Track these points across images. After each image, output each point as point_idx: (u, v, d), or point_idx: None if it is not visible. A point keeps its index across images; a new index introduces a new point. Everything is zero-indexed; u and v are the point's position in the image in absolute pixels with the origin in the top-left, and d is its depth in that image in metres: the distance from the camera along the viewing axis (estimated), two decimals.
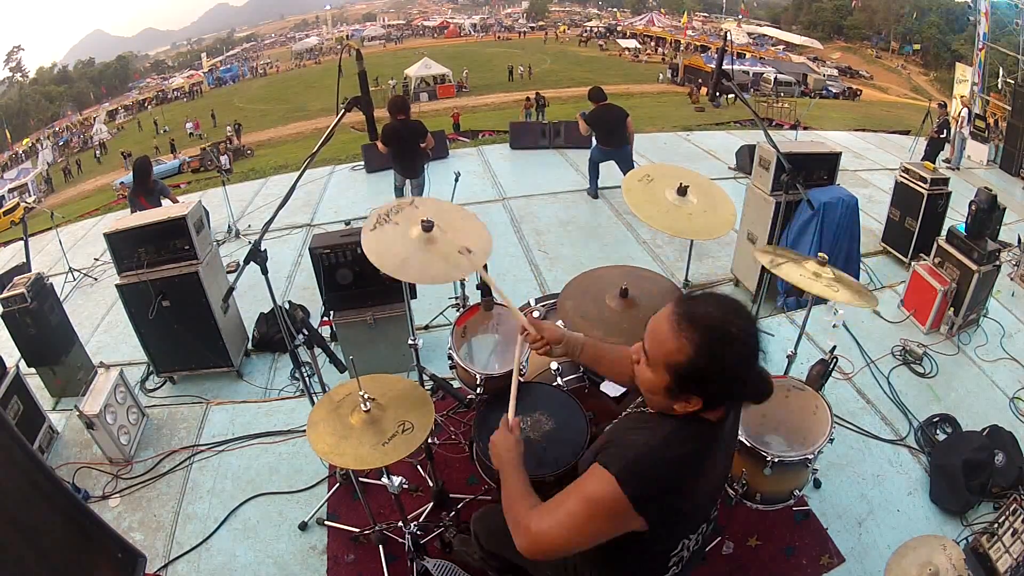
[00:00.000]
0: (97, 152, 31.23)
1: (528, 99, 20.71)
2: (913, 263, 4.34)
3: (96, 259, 6.09)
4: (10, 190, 27.17)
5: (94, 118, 38.56)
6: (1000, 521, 2.38)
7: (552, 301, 2.89)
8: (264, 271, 2.28)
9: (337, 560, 2.56)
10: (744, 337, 1.19)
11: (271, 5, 64.38)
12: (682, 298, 1.27)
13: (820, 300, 2.62)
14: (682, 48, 40.61)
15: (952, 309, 3.93)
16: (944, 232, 4.18)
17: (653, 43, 44.23)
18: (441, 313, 4.28)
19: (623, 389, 2.30)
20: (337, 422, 1.96)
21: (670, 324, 1.22)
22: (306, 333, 2.48)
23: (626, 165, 6.35)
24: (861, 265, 4.73)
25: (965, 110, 9.50)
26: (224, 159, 17.49)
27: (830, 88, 31.36)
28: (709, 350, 1.17)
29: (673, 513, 1.26)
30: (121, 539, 2.19)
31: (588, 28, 50.78)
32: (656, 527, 1.23)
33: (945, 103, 9.61)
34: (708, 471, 1.29)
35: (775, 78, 29.78)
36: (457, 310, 2.92)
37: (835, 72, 35.59)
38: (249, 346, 4.19)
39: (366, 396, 1.95)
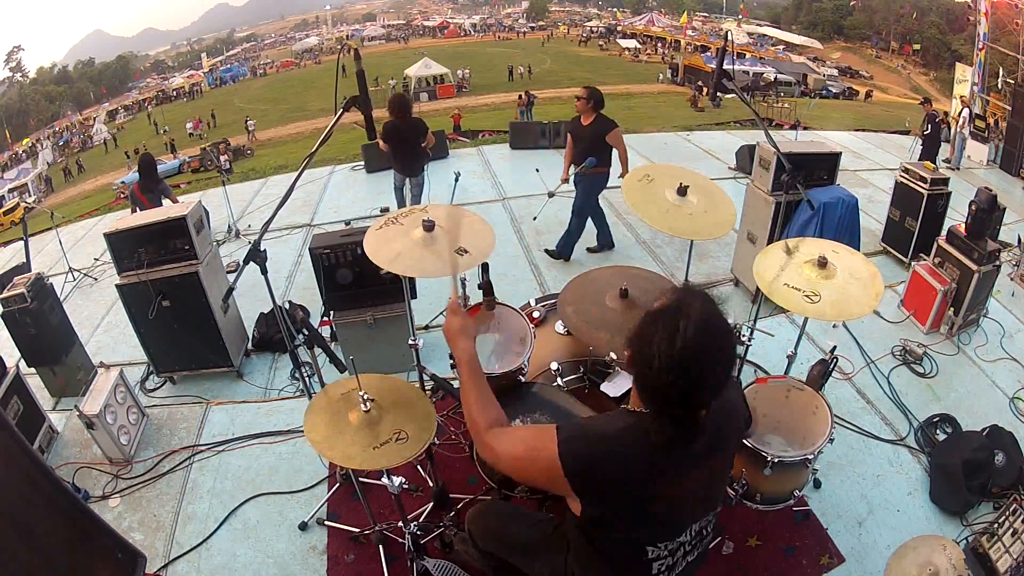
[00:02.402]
0: (78, 163, 30.89)
1: (520, 96, 21.22)
2: (913, 263, 4.35)
3: (96, 259, 6.09)
4: (10, 190, 27.16)
5: (94, 118, 38.54)
6: (1000, 521, 2.38)
7: (552, 301, 2.89)
8: (264, 271, 2.28)
9: (337, 560, 2.56)
10: (677, 323, 1.15)
11: (271, 5, 64.29)
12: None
13: None
14: (682, 48, 40.60)
15: (952, 309, 3.93)
16: (944, 232, 4.18)
17: (653, 43, 44.22)
18: (441, 313, 4.28)
19: (623, 389, 2.30)
20: (335, 415, 1.97)
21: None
22: (306, 333, 2.48)
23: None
24: None
25: (965, 110, 9.50)
26: (224, 159, 17.54)
27: (830, 88, 31.37)
28: (651, 312, 1.23)
29: (619, 506, 1.28)
30: (121, 539, 2.18)
31: (588, 28, 50.78)
32: (603, 513, 1.29)
33: (928, 99, 9.58)
34: (667, 479, 1.29)
35: (775, 78, 29.80)
36: None
37: (835, 72, 35.60)
38: (249, 346, 4.19)
39: (366, 396, 1.95)
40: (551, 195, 4.53)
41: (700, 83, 24.88)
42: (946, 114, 9.35)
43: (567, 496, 1.32)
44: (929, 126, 8.36)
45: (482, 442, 1.43)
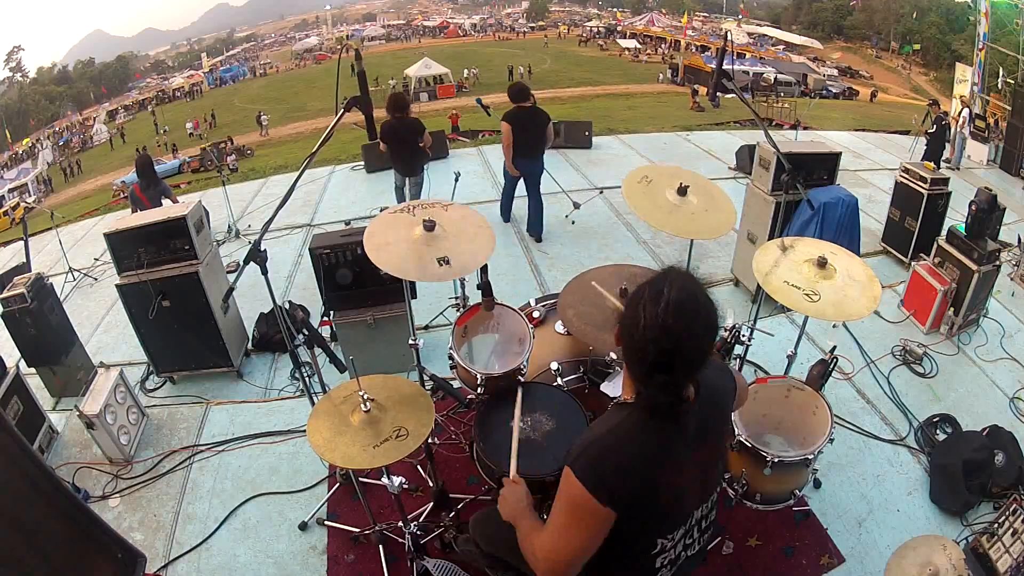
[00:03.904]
0: (77, 163, 30.92)
1: None
2: (913, 263, 4.35)
3: (96, 259, 6.09)
4: (10, 190, 27.16)
5: (94, 118, 38.55)
6: (1000, 521, 2.38)
7: (552, 301, 2.89)
8: (264, 271, 2.28)
9: (337, 560, 2.56)
10: (661, 289, 1.23)
11: (271, 5, 64.33)
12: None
13: None
14: (682, 48, 40.60)
15: (952, 309, 3.93)
16: (944, 232, 4.18)
17: (653, 43, 44.21)
18: (441, 313, 4.28)
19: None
20: (338, 417, 1.97)
21: None
22: (306, 333, 2.48)
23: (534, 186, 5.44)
24: None
25: (965, 110, 9.49)
26: (232, 159, 17.74)
27: (830, 88, 31.36)
28: (635, 294, 1.29)
29: (633, 501, 1.28)
30: (121, 539, 2.18)
31: (589, 28, 50.81)
32: (621, 515, 1.27)
33: (936, 101, 9.58)
34: (669, 466, 1.31)
35: (775, 78, 29.79)
36: (457, 310, 2.92)
37: (835, 72, 35.61)
38: (249, 346, 4.19)
39: (366, 396, 1.95)
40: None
41: (695, 86, 24.66)
42: (946, 114, 9.34)
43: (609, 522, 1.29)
44: (936, 127, 8.36)
45: (537, 558, 1.35)
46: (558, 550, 1.31)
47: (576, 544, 1.30)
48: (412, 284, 3.63)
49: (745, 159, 7.47)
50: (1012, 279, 4.65)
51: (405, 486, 2.04)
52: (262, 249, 2.23)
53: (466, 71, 34.50)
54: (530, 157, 5.24)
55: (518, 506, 1.56)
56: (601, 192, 6.03)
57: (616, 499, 1.25)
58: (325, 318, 3.90)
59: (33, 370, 3.72)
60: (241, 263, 2.28)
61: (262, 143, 25.97)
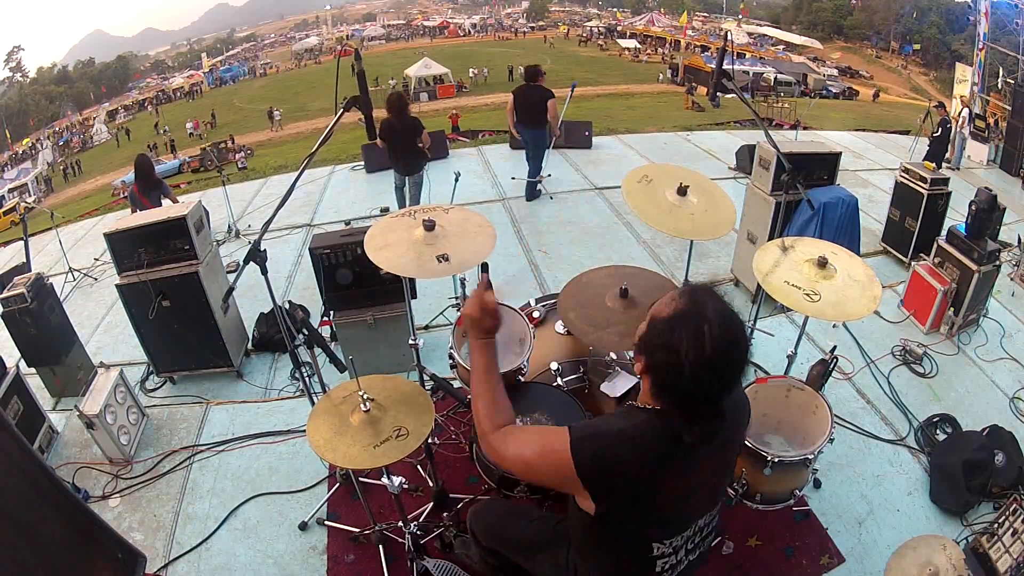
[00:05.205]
0: (77, 163, 31.00)
1: None
2: (913, 263, 4.35)
3: (96, 259, 6.09)
4: (10, 190, 27.18)
5: (94, 118, 38.57)
6: (1000, 521, 2.38)
7: (552, 301, 2.89)
8: (264, 271, 2.28)
9: (337, 560, 2.56)
10: (701, 327, 1.16)
11: (271, 5, 64.34)
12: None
13: None
14: (682, 48, 40.59)
15: (952, 309, 3.93)
16: (944, 232, 4.18)
17: (653, 43, 44.21)
18: (441, 313, 4.28)
19: (623, 389, 2.30)
20: (337, 418, 1.97)
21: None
22: (306, 333, 2.48)
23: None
24: None
25: (965, 110, 9.49)
26: (239, 155, 17.86)
27: (830, 88, 31.36)
28: (664, 319, 1.21)
29: (629, 501, 1.27)
30: (121, 539, 2.19)
31: (589, 28, 50.84)
32: (612, 509, 1.27)
33: (942, 104, 9.57)
34: (677, 473, 1.29)
35: (775, 78, 29.80)
36: (457, 310, 2.92)
37: (835, 72, 35.62)
38: (249, 346, 4.19)
39: (366, 396, 1.95)
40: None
41: (693, 84, 24.55)
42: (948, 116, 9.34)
43: (577, 494, 1.31)
44: (940, 129, 8.36)
45: (487, 443, 1.41)
46: (514, 464, 1.38)
47: (531, 477, 1.39)
48: (412, 284, 3.63)
49: (745, 159, 7.47)
50: (1012, 279, 4.65)
51: (405, 486, 2.05)
52: (262, 249, 2.23)
53: (472, 71, 34.46)
54: (527, 126, 6.31)
55: (480, 322, 1.48)
56: (544, 178, 6.87)
57: (605, 495, 1.26)
58: (325, 318, 3.90)
59: (33, 370, 3.72)
60: (241, 263, 2.29)
61: (263, 143, 25.97)
